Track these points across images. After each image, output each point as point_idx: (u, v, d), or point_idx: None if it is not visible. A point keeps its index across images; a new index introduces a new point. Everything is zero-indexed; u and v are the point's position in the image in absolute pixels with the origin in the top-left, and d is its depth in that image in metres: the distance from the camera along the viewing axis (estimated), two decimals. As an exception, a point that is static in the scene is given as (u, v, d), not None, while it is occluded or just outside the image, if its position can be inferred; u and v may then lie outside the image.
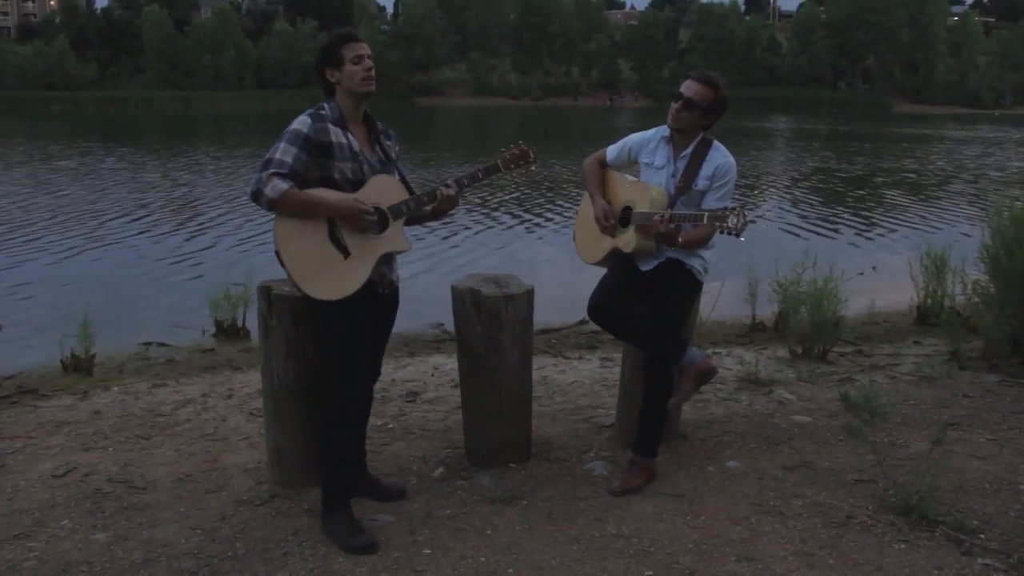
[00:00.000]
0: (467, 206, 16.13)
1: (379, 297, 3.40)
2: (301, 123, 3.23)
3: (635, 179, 3.95)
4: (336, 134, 3.27)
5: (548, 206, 15.42)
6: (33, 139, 32.57)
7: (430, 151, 27.02)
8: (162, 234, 12.52)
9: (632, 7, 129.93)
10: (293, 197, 3.14)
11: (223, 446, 4.36)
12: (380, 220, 3.30)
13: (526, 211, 14.84)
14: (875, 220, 14.36)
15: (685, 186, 3.72)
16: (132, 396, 5.30)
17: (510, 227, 13.31)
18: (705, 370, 3.74)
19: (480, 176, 3.53)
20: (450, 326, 7.12)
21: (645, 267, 3.80)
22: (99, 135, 35.87)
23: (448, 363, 5.89)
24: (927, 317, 7.16)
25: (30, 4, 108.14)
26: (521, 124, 49.98)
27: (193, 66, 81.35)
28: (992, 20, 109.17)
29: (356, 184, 3.29)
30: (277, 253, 3.23)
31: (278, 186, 3.11)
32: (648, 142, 3.90)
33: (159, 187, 17.80)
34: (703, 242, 3.69)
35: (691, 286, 3.81)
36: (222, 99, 72.68)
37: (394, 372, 5.65)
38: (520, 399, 3.92)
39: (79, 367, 5.93)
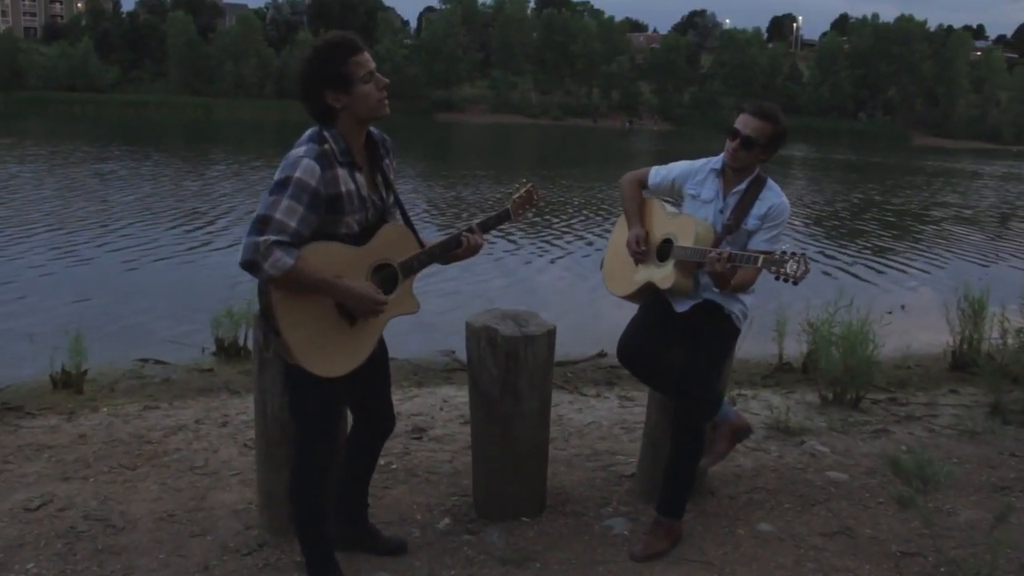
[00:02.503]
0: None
1: None
2: (307, 172, 2.59)
3: (676, 210, 3.64)
4: (346, 181, 2.70)
5: (564, 230, 15.11)
6: (59, 141, 32.42)
7: (456, 170, 26.67)
8: (184, 246, 12.15)
9: (655, 30, 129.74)
10: (299, 275, 2.59)
11: (212, 482, 4.04)
12: (389, 279, 2.86)
13: (541, 234, 14.54)
14: (901, 256, 14.00)
15: (735, 224, 3.40)
16: (121, 419, 5.00)
17: (524, 249, 13.00)
18: (740, 428, 3.41)
19: (492, 224, 3.13)
20: (462, 354, 6.85)
21: (680, 308, 3.47)
22: (122, 138, 35.83)
23: (459, 395, 5.56)
24: (963, 364, 6.81)
25: (58, 5, 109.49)
26: (541, 144, 49.76)
27: (215, 73, 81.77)
28: (1016, 56, 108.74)
29: (359, 236, 2.78)
30: (267, 315, 2.69)
31: (282, 261, 2.54)
32: (696, 173, 3.59)
33: (190, 194, 17.53)
34: (748, 285, 3.37)
35: (729, 333, 3.48)
36: (242, 107, 73.00)
37: (400, 404, 5.32)
38: (536, 449, 3.60)
39: (69, 383, 5.63)
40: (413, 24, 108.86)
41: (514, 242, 13.36)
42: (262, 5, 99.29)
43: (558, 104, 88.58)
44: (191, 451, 4.46)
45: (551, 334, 3.47)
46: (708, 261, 3.17)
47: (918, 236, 16.64)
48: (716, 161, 3.55)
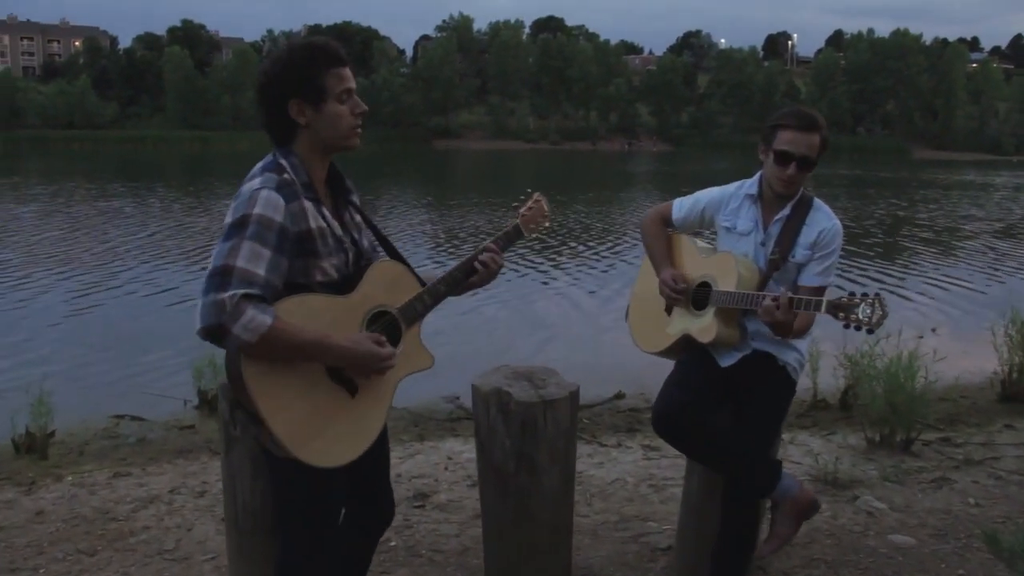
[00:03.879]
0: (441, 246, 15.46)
1: None
2: (268, 205, 2.06)
3: (710, 246, 3.11)
4: (314, 215, 2.17)
5: (568, 255, 14.59)
6: (61, 179, 32.05)
7: (459, 196, 26.20)
8: (181, 288, 11.28)
9: (651, 52, 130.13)
10: (280, 338, 2.00)
11: (183, 569, 3.49)
12: (390, 331, 2.31)
13: (545, 260, 14.02)
14: (926, 275, 13.42)
15: (781, 258, 2.87)
16: (87, 490, 4.44)
17: (532, 279, 12.45)
18: (806, 505, 2.85)
19: (503, 243, 2.62)
20: (467, 399, 6.30)
21: (725, 361, 2.92)
22: (124, 175, 35.46)
23: (465, 450, 5.01)
24: (1015, 394, 6.26)
25: (55, 45, 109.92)
26: (541, 169, 49.45)
27: (212, 106, 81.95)
28: (1011, 67, 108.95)
29: (339, 285, 2.22)
30: (241, 399, 2.15)
31: (256, 321, 1.96)
32: (728, 200, 3.05)
33: (197, 231, 16.98)
34: (808, 328, 2.83)
35: (785, 388, 2.94)
36: (240, 139, 72.81)
37: (400, 464, 4.76)
38: (559, 529, 3.03)
39: (33, 448, 5.08)
40: (409, 53, 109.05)
41: (521, 272, 12.83)
42: (258, 38, 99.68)
43: (556, 128, 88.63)
44: (162, 529, 3.91)
45: (574, 397, 2.92)
46: (765, 311, 2.64)
47: (941, 253, 16.09)
48: (750, 185, 3.02)
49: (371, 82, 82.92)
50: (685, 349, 3.00)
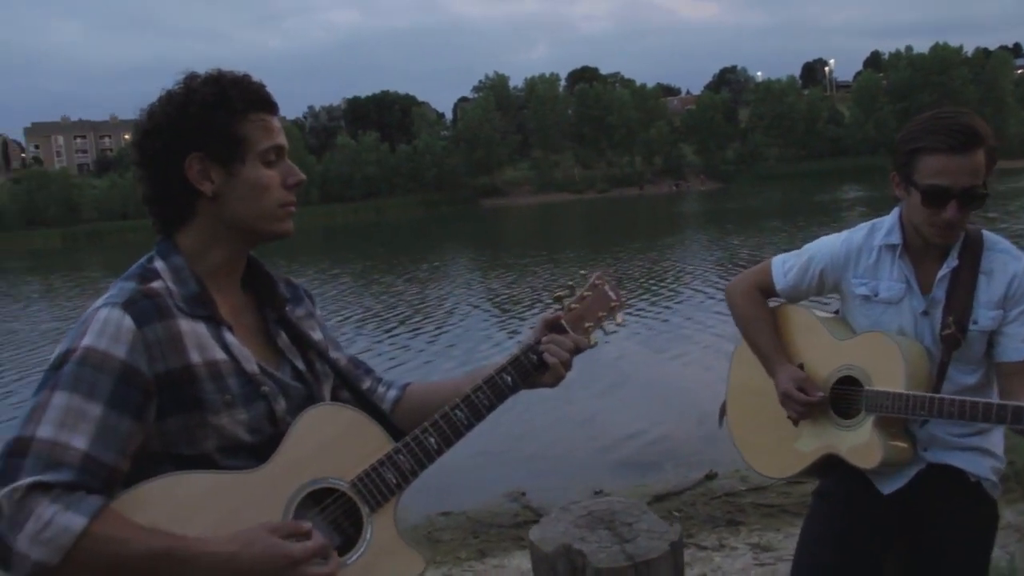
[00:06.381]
0: (519, 307, 14.70)
1: None
2: (106, 331, 1.31)
3: (834, 317, 2.25)
4: (201, 345, 1.39)
5: (631, 304, 13.71)
6: (120, 270, 32.33)
7: (513, 257, 25.50)
8: None
9: (688, 92, 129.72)
10: (104, 549, 1.23)
11: None
12: (347, 518, 1.47)
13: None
14: None
15: (959, 330, 2.01)
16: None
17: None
18: None
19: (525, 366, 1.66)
20: (534, 496, 5.46)
21: (889, 488, 2.06)
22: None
23: (533, 568, 4.15)
24: None
25: (107, 140, 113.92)
26: (587, 219, 48.89)
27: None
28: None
29: (260, 448, 1.41)
30: None
31: (56, 527, 1.20)
32: (856, 255, 2.17)
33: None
34: None
35: (986, 515, 2.06)
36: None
37: (456, 595, 3.94)
38: None
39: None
40: (449, 115, 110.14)
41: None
42: (300, 115, 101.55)
43: (602, 176, 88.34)
44: None
45: (676, 549, 2.08)
46: None
47: None
48: (888, 232, 2.14)
49: (413, 148, 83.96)
50: (824, 468, 2.14)
